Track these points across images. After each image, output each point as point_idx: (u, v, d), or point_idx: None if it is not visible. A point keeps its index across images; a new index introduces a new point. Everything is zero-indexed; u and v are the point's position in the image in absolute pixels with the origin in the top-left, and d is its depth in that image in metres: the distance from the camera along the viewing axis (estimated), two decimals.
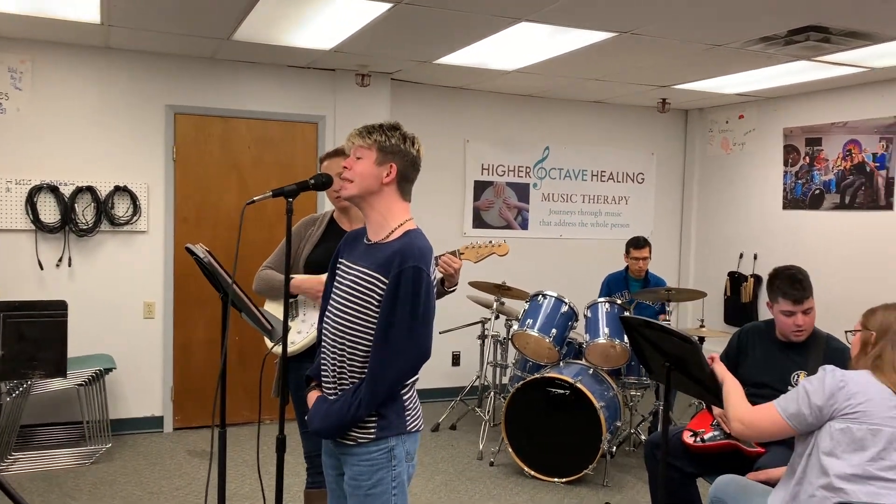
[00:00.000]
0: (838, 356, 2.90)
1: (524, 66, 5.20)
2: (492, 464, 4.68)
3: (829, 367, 2.33)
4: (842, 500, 2.11)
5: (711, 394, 2.71)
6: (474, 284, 5.22)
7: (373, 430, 2.11)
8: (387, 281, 2.07)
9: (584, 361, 4.76)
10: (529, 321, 4.78)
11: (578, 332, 5.04)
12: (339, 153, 2.89)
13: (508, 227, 6.51)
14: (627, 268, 5.58)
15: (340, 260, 2.28)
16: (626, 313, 4.78)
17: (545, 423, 4.44)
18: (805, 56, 4.57)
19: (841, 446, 2.18)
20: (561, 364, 4.75)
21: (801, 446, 2.34)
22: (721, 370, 2.70)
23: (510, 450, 4.52)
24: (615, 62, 5.05)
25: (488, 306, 5.26)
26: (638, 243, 5.50)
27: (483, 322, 5.46)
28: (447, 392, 6.01)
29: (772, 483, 2.58)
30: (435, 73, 5.58)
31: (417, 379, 2.21)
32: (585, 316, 4.86)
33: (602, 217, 6.89)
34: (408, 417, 2.17)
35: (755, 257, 6.34)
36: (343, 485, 2.22)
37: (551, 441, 4.44)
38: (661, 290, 4.95)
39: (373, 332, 2.09)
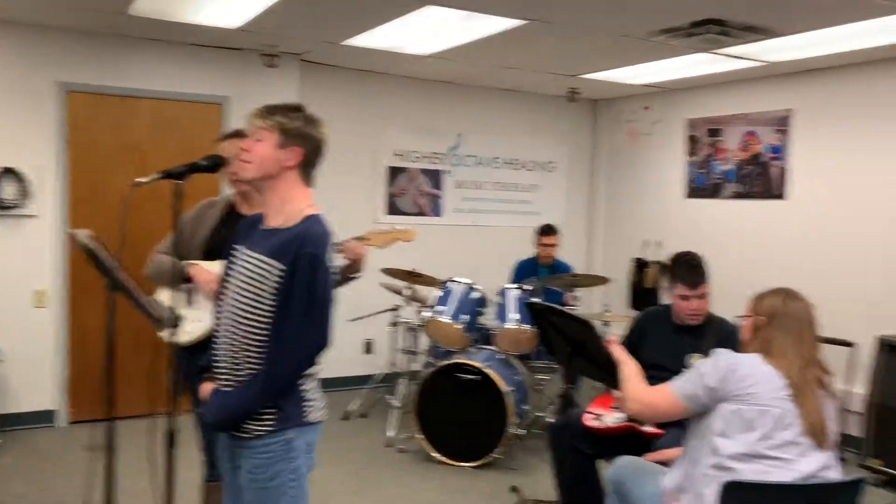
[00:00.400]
0: (731, 339, 3.00)
1: (437, 51, 5.17)
2: (402, 450, 4.67)
3: (723, 351, 2.40)
4: (731, 478, 2.18)
5: (610, 376, 2.76)
6: (386, 271, 5.17)
7: (270, 423, 2.05)
8: (283, 268, 2.01)
9: (494, 347, 4.80)
10: (440, 308, 4.78)
11: (490, 318, 5.08)
12: (238, 134, 2.78)
13: (422, 213, 6.49)
14: (537, 254, 5.66)
15: (236, 246, 2.19)
16: (536, 299, 4.83)
17: (455, 409, 4.45)
18: (705, 48, 4.71)
19: (732, 427, 2.26)
20: (471, 350, 4.77)
21: (694, 427, 2.41)
22: (619, 352, 2.75)
23: (420, 436, 4.51)
24: (526, 50, 5.08)
25: (400, 293, 5.23)
26: (546, 230, 5.58)
27: (395, 309, 5.42)
28: (358, 380, 5.95)
29: (668, 463, 2.66)
30: (346, 55, 5.48)
31: (320, 369, 2.16)
32: (496, 302, 4.89)
33: (514, 204, 6.95)
34: (307, 408, 2.11)
35: (659, 244, 6.54)
36: (239, 479, 2.15)
37: (461, 426, 4.46)
38: (566, 276, 5.03)
39: (269, 322, 2.02)
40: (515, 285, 4.96)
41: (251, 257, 2.08)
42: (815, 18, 4.02)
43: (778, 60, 5.03)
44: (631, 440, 3.14)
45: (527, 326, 4.64)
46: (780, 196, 5.58)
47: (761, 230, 5.71)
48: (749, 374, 2.28)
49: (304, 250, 1.99)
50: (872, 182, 4.99)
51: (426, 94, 6.41)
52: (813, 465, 2.22)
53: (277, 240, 2.05)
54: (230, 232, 2.36)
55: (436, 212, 6.55)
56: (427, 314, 4.83)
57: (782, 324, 2.35)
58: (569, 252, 6.42)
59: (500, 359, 4.70)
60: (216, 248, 2.78)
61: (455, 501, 3.99)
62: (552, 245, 5.59)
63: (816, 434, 2.23)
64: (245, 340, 2.05)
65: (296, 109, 2.12)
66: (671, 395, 2.40)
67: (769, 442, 2.21)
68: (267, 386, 2.00)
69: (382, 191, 6.29)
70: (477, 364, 4.39)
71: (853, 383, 4.86)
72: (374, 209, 6.24)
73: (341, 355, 6.13)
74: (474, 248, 6.64)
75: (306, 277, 2.00)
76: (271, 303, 2.02)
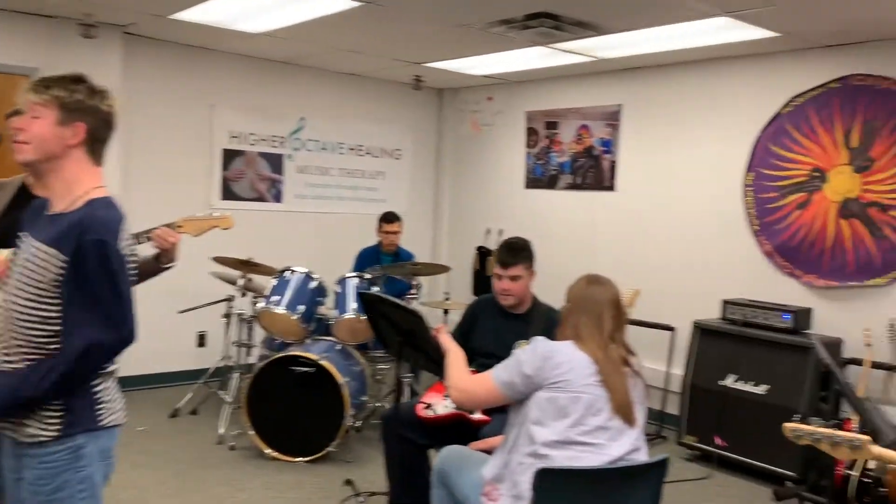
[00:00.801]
0: (556, 327, 3.07)
1: (270, 29, 4.96)
2: (232, 448, 4.46)
3: (540, 339, 2.44)
4: (545, 465, 2.21)
5: (439, 365, 2.75)
6: (219, 260, 4.91)
7: (56, 427, 1.84)
8: (65, 259, 1.80)
9: (332, 338, 4.68)
10: (275, 298, 4.60)
11: (329, 308, 4.95)
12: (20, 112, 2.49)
13: (261, 199, 6.24)
14: (380, 242, 5.59)
15: (22, 234, 1.96)
16: (376, 288, 4.77)
17: (289, 403, 4.30)
18: (541, 42, 4.82)
19: (547, 415, 2.29)
20: (308, 341, 4.63)
21: (514, 416, 2.43)
22: (445, 340, 2.74)
23: (252, 432, 4.33)
24: (365, 34, 4.98)
25: (234, 283, 4.99)
26: (389, 217, 5.52)
27: (228, 300, 5.17)
28: (191, 374, 5.64)
29: (492, 452, 2.68)
30: (175, 29, 5.13)
31: (116, 368, 1.97)
32: (335, 291, 4.78)
33: (359, 192, 6.84)
34: (101, 412, 1.91)
35: (500, 233, 6.66)
36: (21, 491, 1.92)
37: (295, 420, 4.32)
38: (407, 264, 5.00)
39: (54, 318, 1.82)
40: (356, 274, 4.87)
41: (33, 246, 1.86)
42: (637, 18, 4.20)
43: (607, 57, 5.24)
44: (461, 429, 3.15)
45: (364, 315, 4.56)
46: (610, 188, 5.84)
47: (593, 221, 5.95)
48: (563, 360, 2.32)
49: (87, 237, 1.80)
50: (691, 176, 5.32)
51: (266, 74, 6.15)
52: (623, 448, 2.29)
53: (58, 226, 1.84)
54: (21, 215, 2.11)
55: (276, 197, 6.32)
56: (261, 305, 4.64)
57: (584, 308, 2.43)
58: (414, 240, 6.41)
59: (339, 349, 4.60)
60: (7, 233, 2.49)
61: (285, 498, 3.85)
62: (395, 233, 5.55)
63: (624, 412, 2.31)
64: (25, 339, 1.83)
65: (77, 80, 1.91)
66: (490, 382, 2.41)
67: (581, 428, 2.26)
68: (54, 383, 1.80)
69: (217, 174, 5.98)
70: (311, 356, 4.26)
71: (673, 365, 5.18)
72: (207, 194, 5.91)
73: (172, 349, 5.84)
74: (318, 236, 6.48)
75: (95, 267, 1.80)
76: (54, 296, 1.81)
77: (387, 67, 6.15)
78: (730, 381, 4.53)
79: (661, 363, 5.25)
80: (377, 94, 6.82)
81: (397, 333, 3.04)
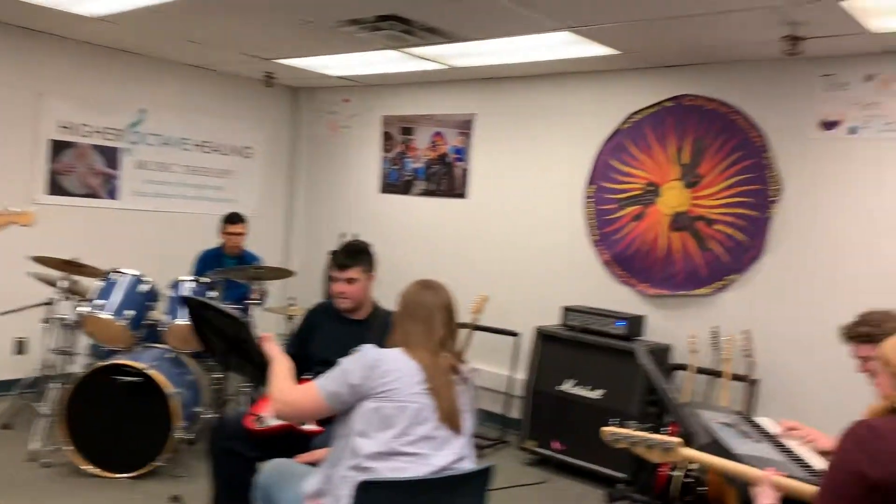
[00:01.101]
0: None
1: (105, 13, 4.61)
2: (47, 465, 4.07)
3: (368, 346, 2.36)
4: (368, 477, 2.14)
5: (265, 374, 2.61)
6: (39, 260, 4.49)
7: None
8: None
9: (163, 345, 4.40)
10: (101, 302, 4.26)
11: (161, 313, 4.65)
12: None
13: (94, 195, 5.79)
14: (223, 244, 5.34)
15: None
16: (214, 293, 4.53)
17: (112, 415, 3.99)
18: (393, 46, 4.77)
19: (372, 426, 2.22)
20: (138, 349, 4.32)
21: (339, 427, 2.34)
22: (271, 349, 2.61)
23: (69, 447, 3.97)
24: (209, 26, 4.75)
25: (54, 285, 4.57)
26: (233, 218, 5.30)
27: (49, 303, 4.73)
28: (5, 385, 5.13)
29: (318, 464, 2.57)
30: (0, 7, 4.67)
31: None
32: (168, 296, 4.49)
33: (205, 190, 6.52)
34: None
35: (356, 238, 6.54)
36: None
37: (119, 434, 4.00)
38: (249, 268, 4.80)
39: None
40: (192, 277, 4.61)
41: None
42: (486, 28, 4.25)
43: (461, 66, 5.27)
44: (293, 440, 3.02)
45: (190, 322, 4.31)
46: (462, 195, 5.88)
47: (446, 227, 5.98)
48: (391, 369, 2.26)
49: None
50: (539, 186, 5.45)
51: (103, 62, 5.72)
52: (448, 457, 2.25)
53: None
54: None
55: (111, 194, 5.89)
56: (85, 309, 4.28)
57: (414, 314, 2.39)
58: (265, 243, 6.19)
59: (170, 358, 4.32)
60: None
61: None
62: (239, 234, 5.31)
63: (451, 421, 2.28)
64: None
65: None
66: (315, 393, 2.31)
67: (405, 438, 2.21)
68: None
69: (42, 167, 5.49)
70: (138, 364, 3.97)
71: (517, 370, 5.27)
72: (30, 187, 5.41)
73: None
74: (158, 237, 6.10)
75: None
76: None
77: (235, 62, 5.90)
78: (568, 386, 4.66)
79: (507, 368, 5.33)
80: (226, 89, 6.53)
81: (222, 341, 2.88)
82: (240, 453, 3.06)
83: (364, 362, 2.28)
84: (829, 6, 3.35)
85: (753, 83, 4.53)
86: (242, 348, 2.79)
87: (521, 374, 5.16)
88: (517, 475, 4.55)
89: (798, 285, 4.36)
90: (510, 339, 5.32)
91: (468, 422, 2.37)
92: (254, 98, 6.72)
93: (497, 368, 5.39)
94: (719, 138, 4.62)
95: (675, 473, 3.94)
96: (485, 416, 5.47)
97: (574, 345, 4.70)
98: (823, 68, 4.27)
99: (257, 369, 2.75)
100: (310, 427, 3.01)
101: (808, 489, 2.01)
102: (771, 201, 4.43)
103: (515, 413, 5.20)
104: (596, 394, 4.55)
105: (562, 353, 4.75)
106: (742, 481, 2.13)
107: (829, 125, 4.28)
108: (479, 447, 4.84)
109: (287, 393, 2.40)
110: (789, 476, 2.09)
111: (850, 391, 2.58)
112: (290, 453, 2.83)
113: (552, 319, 4.99)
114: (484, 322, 5.14)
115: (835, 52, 4.12)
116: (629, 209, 4.97)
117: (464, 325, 5.08)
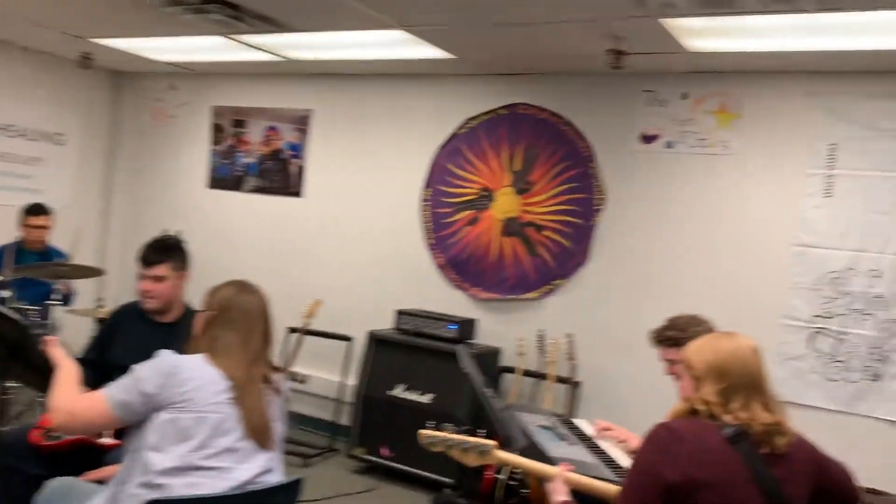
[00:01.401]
0: None
1: None
2: None
3: (165, 352, 2.15)
4: (159, 496, 1.93)
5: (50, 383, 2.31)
6: None
7: None
8: None
9: None
10: None
11: None
12: None
13: None
14: (23, 238, 4.81)
15: None
16: (7, 292, 4.05)
17: None
18: (221, 32, 4.49)
19: (167, 439, 2.01)
20: None
21: (131, 440, 2.10)
22: (57, 355, 2.32)
23: None
24: None
25: None
26: (35, 210, 4.80)
27: None
28: None
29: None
30: None
31: None
32: None
33: (9, 179, 5.86)
34: None
35: (180, 234, 6.14)
36: None
37: None
38: (49, 265, 4.34)
39: None
40: None
41: None
42: (318, 19, 4.09)
43: (296, 58, 5.07)
44: (86, 455, 2.72)
45: None
46: (297, 194, 5.67)
47: (279, 227, 5.73)
48: (189, 377, 2.06)
49: None
50: (375, 187, 5.35)
51: None
52: (252, 470, 2.08)
53: None
54: None
55: None
56: None
57: (231, 318, 2.20)
58: (77, 238, 5.64)
59: None
60: None
61: None
62: (42, 227, 4.81)
63: (258, 435, 2.11)
64: None
65: None
66: (102, 403, 2.06)
67: (205, 451, 2.02)
68: None
69: None
70: None
71: (349, 376, 5.13)
72: None
73: None
74: None
75: None
76: None
77: (43, 38, 5.34)
78: (399, 391, 4.59)
79: (339, 374, 5.18)
80: (34, 68, 5.91)
81: (3, 346, 2.54)
82: (22, 471, 2.72)
83: (160, 369, 2.07)
84: (649, 23, 3.50)
85: (582, 95, 4.69)
86: (25, 354, 2.46)
87: (352, 380, 5.02)
88: (344, 484, 4.41)
89: (618, 291, 4.55)
90: (343, 343, 5.17)
91: (278, 433, 2.21)
92: (67, 79, 6.12)
93: (329, 374, 5.23)
94: (549, 147, 4.74)
95: (500, 476, 3.97)
96: (314, 424, 5.29)
97: (406, 349, 4.64)
98: (645, 84, 4.49)
99: (41, 377, 2.44)
100: (108, 440, 2.72)
101: (601, 485, 2.06)
102: (595, 210, 4.60)
103: (346, 420, 5.06)
104: (426, 398, 4.51)
105: (394, 357, 4.67)
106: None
107: (648, 139, 4.51)
108: (306, 456, 4.72)
109: (69, 402, 2.12)
110: (597, 477, 2.12)
111: (663, 393, 2.68)
112: (82, 470, 2.55)
113: (386, 323, 4.90)
114: (317, 326, 4.96)
115: (656, 69, 4.34)
116: (464, 214, 4.99)
117: (295, 330, 4.89)
